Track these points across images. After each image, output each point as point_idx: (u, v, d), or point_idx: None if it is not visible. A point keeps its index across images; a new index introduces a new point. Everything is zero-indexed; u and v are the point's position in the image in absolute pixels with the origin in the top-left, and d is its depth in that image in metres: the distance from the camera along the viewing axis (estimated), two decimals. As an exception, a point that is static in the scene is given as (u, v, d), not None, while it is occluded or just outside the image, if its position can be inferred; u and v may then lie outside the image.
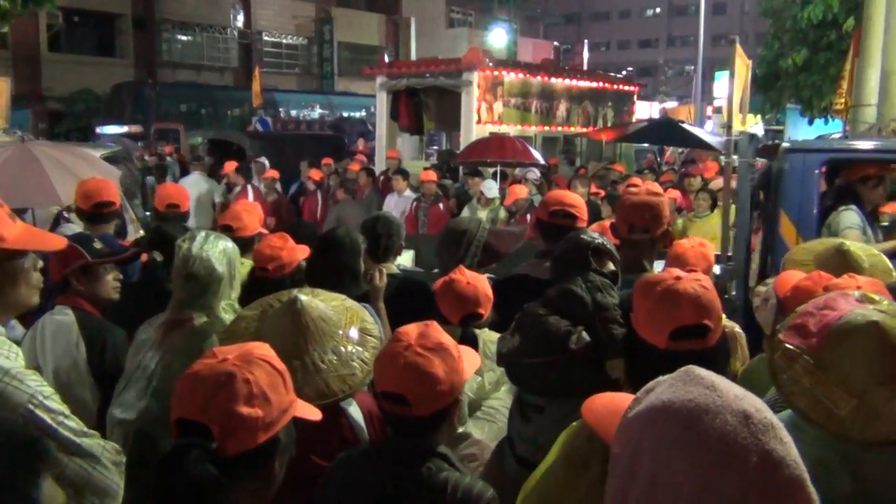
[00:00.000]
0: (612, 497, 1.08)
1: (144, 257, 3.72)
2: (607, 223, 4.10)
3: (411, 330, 1.88)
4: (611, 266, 2.54)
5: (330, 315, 2.30)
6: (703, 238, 3.75)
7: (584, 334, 2.09)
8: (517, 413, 2.20)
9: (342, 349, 2.22)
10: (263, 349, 1.56)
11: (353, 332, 2.31)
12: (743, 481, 0.97)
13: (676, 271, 1.86)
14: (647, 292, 1.80)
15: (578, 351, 2.08)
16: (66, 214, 6.16)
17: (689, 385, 1.05)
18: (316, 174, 10.87)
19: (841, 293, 2.05)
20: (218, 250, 2.77)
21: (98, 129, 22.08)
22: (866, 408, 1.76)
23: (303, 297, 2.29)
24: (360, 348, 2.27)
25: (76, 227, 5.11)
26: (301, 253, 3.29)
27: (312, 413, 1.67)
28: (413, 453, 1.81)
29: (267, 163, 12.76)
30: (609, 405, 1.28)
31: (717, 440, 0.98)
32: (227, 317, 2.73)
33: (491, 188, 9.15)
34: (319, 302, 2.35)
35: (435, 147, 17.94)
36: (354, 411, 2.32)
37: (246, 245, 3.63)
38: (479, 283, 2.72)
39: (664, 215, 2.95)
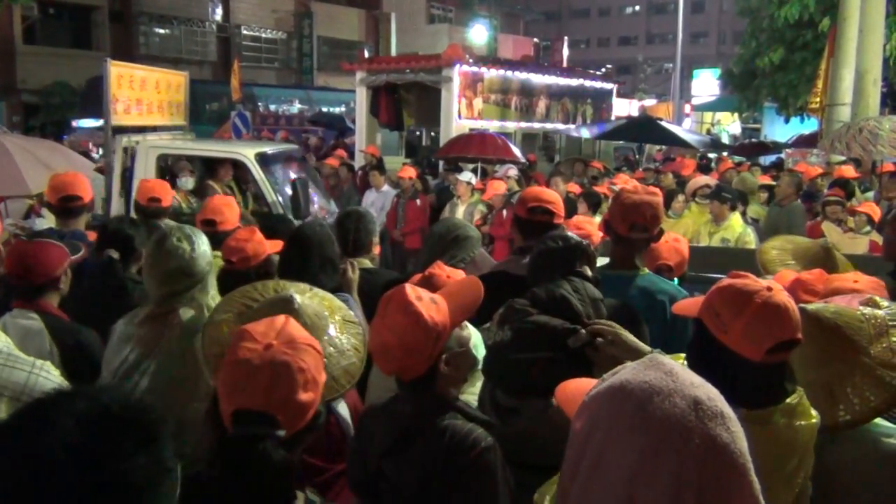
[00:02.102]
0: (565, 467, 1.15)
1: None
2: (580, 219, 4.13)
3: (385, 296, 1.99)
4: (588, 270, 2.54)
5: (318, 310, 2.29)
6: (679, 235, 3.82)
7: (584, 332, 2.11)
8: (492, 412, 2.21)
9: (336, 341, 2.22)
10: (297, 330, 1.62)
11: (339, 322, 2.32)
12: (682, 461, 1.02)
13: (761, 280, 1.79)
14: (742, 305, 1.71)
15: (575, 349, 2.10)
16: (37, 209, 6.10)
17: (649, 369, 1.11)
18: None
19: (854, 296, 2.16)
20: (203, 245, 2.75)
21: (74, 123, 21.82)
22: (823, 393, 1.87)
23: (297, 297, 2.28)
24: (349, 336, 2.28)
25: (47, 222, 5.07)
26: (272, 247, 3.29)
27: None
28: (423, 403, 1.92)
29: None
30: (580, 387, 1.35)
31: (663, 420, 1.04)
32: None
33: (465, 177, 9.21)
34: (307, 299, 2.33)
35: (416, 133, 17.88)
36: (341, 408, 2.33)
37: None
38: (458, 277, 2.72)
39: (662, 215, 3.00)
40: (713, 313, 1.75)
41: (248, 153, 7.00)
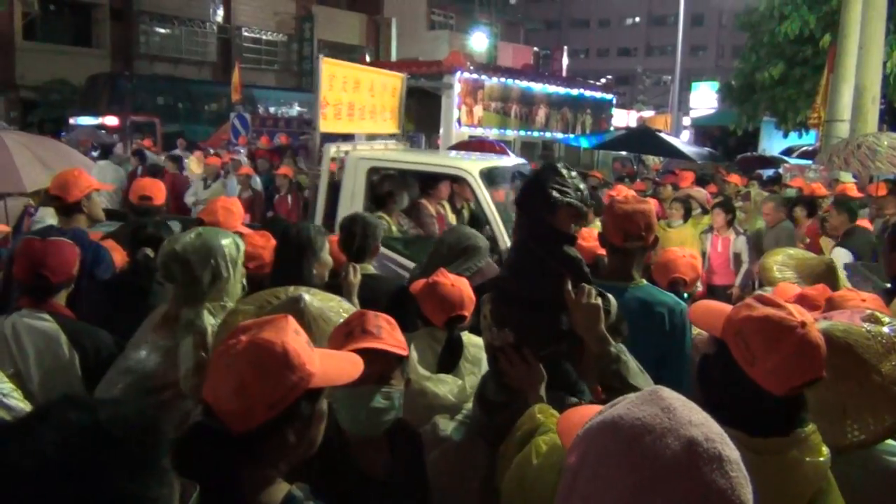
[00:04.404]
0: (557, 500, 1.10)
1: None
2: (586, 230, 4.14)
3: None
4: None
5: (330, 316, 2.29)
6: (676, 247, 3.85)
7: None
8: (479, 406, 2.25)
9: None
10: (271, 332, 1.54)
11: None
12: None
13: (794, 309, 1.66)
14: (777, 342, 1.60)
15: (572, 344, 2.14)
16: (31, 210, 6.07)
17: (646, 404, 1.04)
18: (286, 171, 10.76)
19: (850, 311, 2.15)
20: (203, 248, 2.66)
21: (72, 120, 21.79)
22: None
23: (306, 297, 2.27)
24: None
25: (49, 219, 5.04)
26: None
27: (341, 377, 1.66)
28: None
29: (244, 159, 12.70)
30: (581, 417, 1.28)
31: (652, 461, 0.97)
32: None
33: None
34: (318, 301, 2.34)
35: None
36: None
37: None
38: (462, 285, 2.72)
39: (655, 223, 2.97)
40: (742, 342, 1.63)
41: (472, 169, 5.91)
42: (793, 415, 1.66)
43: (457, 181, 6.32)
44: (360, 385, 1.89)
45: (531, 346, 2.15)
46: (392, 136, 7.43)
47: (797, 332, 1.60)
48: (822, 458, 1.64)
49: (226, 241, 2.73)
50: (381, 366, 1.96)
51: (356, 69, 6.93)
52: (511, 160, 7.55)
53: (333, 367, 1.64)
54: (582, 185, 2.26)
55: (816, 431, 1.67)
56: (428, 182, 6.42)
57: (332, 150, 6.35)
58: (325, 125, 6.32)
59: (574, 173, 2.28)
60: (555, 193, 2.18)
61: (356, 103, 6.72)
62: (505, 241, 5.33)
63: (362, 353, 1.84)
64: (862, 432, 1.89)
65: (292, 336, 1.53)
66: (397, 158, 6.58)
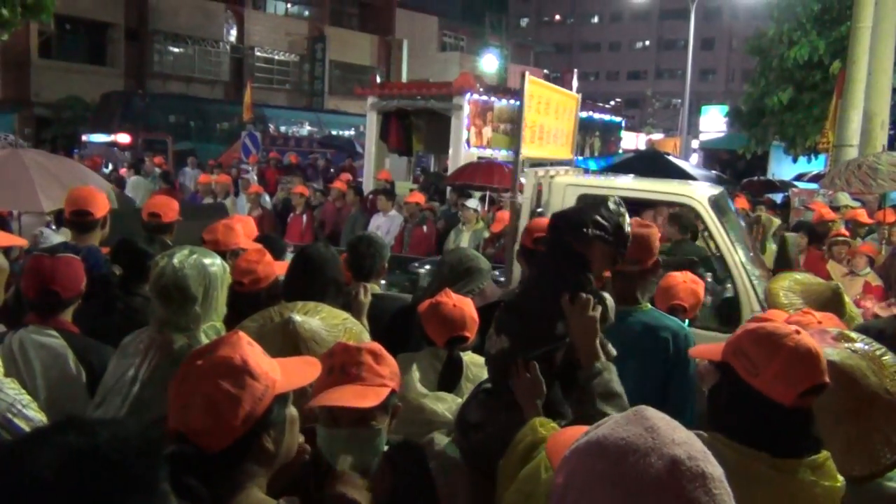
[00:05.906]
0: None
1: None
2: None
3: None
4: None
5: (323, 337, 2.29)
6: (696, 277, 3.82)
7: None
8: (458, 430, 2.29)
9: None
10: (221, 349, 1.53)
11: None
12: None
13: (784, 318, 1.75)
14: (775, 347, 1.67)
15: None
16: (51, 226, 6.12)
17: (630, 424, 1.05)
18: (302, 190, 10.80)
19: (818, 331, 2.12)
20: (195, 270, 2.56)
21: (85, 137, 21.99)
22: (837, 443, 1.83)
23: (297, 318, 2.28)
24: None
25: (60, 235, 5.08)
26: (280, 268, 3.28)
27: (302, 380, 1.66)
28: None
29: (254, 177, 12.79)
30: (569, 438, 1.29)
31: (636, 480, 0.98)
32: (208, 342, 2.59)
33: (472, 204, 9.20)
34: (317, 322, 2.35)
35: (420, 168, 17.98)
36: None
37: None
38: (465, 305, 2.72)
39: (654, 247, 2.95)
40: (743, 356, 1.70)
41: (700, 196, 5.36)
42: (804, 431, 1.70)
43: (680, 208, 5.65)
44: (333, 427, 1.87)
45: (524, 350, 2.18)
46: (567, 162, 6.73)
47: (793, 337, 1.69)
48: (838, 484, 1.68)
49: (214, 261, 2.68)
50: (353, 409, 1.85)
51: (549, 89, 6.29)
52: (720, 187, 6.71)
53: (294, 370, 1.64)
54: (626, 226, 2.26)
55: (830, 459, 1.70)
56: (637, 212, 5.81)
57: (533, 176, 5.89)
58: (525, 148, 5.76)
59: (623, 209, 2.27)
60: (590, 230, 2.19)
61: (545, 125, 6.17)
62: (742, 274, 4.79)
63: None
64: (894, 453, 1.88)
65: (247, 348, 1.54)
66: (611, 185, 5.92)
